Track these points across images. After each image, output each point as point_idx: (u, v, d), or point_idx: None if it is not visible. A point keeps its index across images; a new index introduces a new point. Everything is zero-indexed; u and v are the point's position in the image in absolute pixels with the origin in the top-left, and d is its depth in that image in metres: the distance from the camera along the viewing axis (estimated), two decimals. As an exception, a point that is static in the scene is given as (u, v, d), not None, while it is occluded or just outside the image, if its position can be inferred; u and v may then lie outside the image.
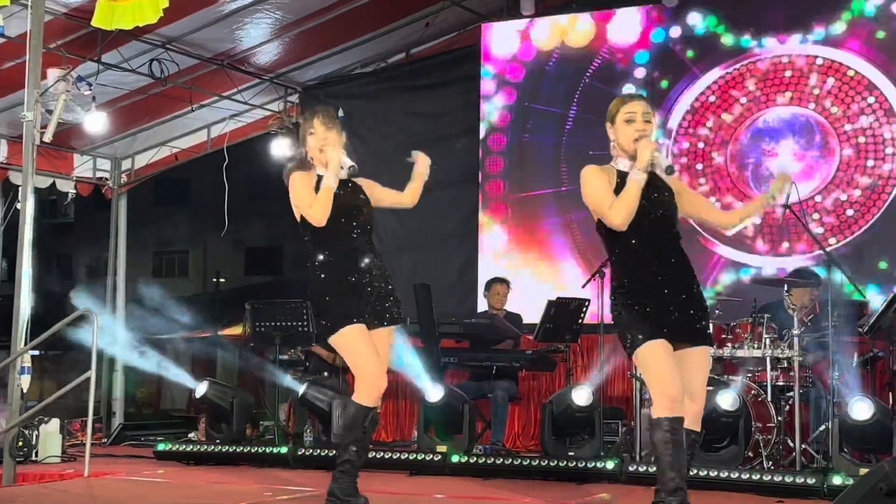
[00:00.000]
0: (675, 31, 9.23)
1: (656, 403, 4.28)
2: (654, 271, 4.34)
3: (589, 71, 9.54)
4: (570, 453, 7.15)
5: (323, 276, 4.87)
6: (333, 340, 4.84)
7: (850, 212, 8.47)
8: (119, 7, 7.03)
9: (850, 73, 8.58)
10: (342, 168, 4.82)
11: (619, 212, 4.31)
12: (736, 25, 9.03)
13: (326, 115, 4.93)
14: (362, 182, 5.05)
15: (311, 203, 4.80)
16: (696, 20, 9.16)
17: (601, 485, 6.54)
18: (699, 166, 9.06)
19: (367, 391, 4.78)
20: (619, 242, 4.40)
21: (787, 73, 8.81)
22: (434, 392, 7.70)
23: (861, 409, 6.50)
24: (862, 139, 8.49)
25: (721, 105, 9.03)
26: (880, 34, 8.53)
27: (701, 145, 9.06)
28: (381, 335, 4.89)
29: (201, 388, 8.51)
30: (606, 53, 9.48)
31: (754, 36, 8.93)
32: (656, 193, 4.39)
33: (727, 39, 9.04)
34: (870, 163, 8.47)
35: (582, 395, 7.19)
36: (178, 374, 9.37)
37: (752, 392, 6.92)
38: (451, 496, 6.15)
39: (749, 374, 7.17)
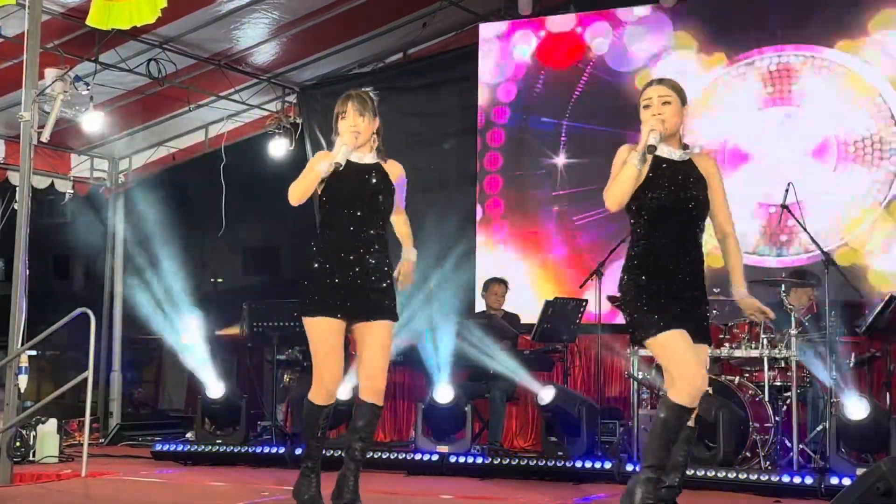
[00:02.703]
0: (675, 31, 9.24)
1: (679, 389, 4.17)
2: (671, 264, 4.30)
3: (587, 69, 9.53)
4: (560, 453, 7.13)
5: (312, 259, 4.77)
6: (305, 323, 4.77)
7: (845, 214, 8.48)
8: (116, 6, 6.98)
9: (847, 72, 8.60)
10: (337, 160, 4.65)
11: (608, 193, 4.30)
12: (734, 26, 9.04)
13: (359, 99, 4.82)
14: (392, 170, 4.90)
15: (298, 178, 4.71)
16: (696, 20, 9.19)
17: (598, 484, 6.54)
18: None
19: (318, 391, 4.77)
20: (640, 228, 4.37)
21: (785, 73, 8.83)
22: None
23: (857, 408, 6.50)
24: (860, 141, 8.51)
25: (718, 103, 9.04)
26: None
27: (697, 150, 9.02)
28: (371, 329, 4.76)
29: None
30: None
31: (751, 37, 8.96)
32: (682, 186, 4.33)
33: (725, 39, 9.06)
34: (868, 163, 8.48)
35: None
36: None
37: (750, 392, 6.91)
38: (448, 496, 6.15)
39: (746, 375, 7.17)
